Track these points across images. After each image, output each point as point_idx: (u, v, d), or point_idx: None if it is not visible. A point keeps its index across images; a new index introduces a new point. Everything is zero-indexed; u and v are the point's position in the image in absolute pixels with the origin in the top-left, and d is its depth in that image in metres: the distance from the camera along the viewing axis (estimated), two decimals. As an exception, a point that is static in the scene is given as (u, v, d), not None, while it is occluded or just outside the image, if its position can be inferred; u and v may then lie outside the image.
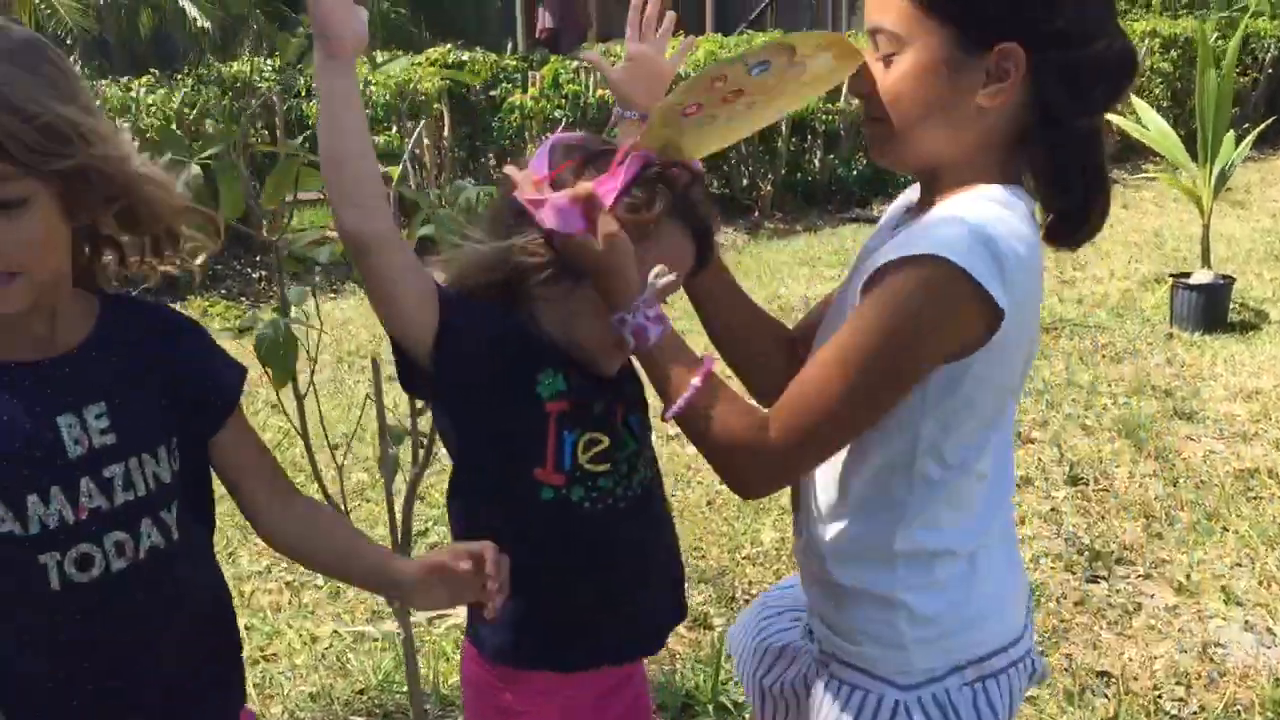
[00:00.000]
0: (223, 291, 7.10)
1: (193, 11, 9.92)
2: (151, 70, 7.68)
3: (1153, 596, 3.29)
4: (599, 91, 8.57)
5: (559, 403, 1.39)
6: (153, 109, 7.11)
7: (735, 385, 1.46)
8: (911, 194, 1.48)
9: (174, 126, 6.97)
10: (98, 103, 1.30)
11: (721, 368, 1.40)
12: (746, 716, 2.69)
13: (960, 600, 1.37)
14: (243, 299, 7.06)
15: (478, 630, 1.51)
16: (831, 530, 1.41)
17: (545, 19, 12.51)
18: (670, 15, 1.61)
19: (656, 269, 1.34)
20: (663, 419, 1.37)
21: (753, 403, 1.40)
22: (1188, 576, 3.39)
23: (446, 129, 8.22)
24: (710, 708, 2.73)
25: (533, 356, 1.39)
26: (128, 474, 1.29)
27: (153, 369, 1.34)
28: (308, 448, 2.14)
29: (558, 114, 8.38)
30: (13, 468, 1.23)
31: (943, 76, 1.27)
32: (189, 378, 1.37)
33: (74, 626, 1.28)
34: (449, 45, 8.79)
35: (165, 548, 1.33)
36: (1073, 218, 1.35)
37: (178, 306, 1.52)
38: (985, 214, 1.24)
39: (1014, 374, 1.35)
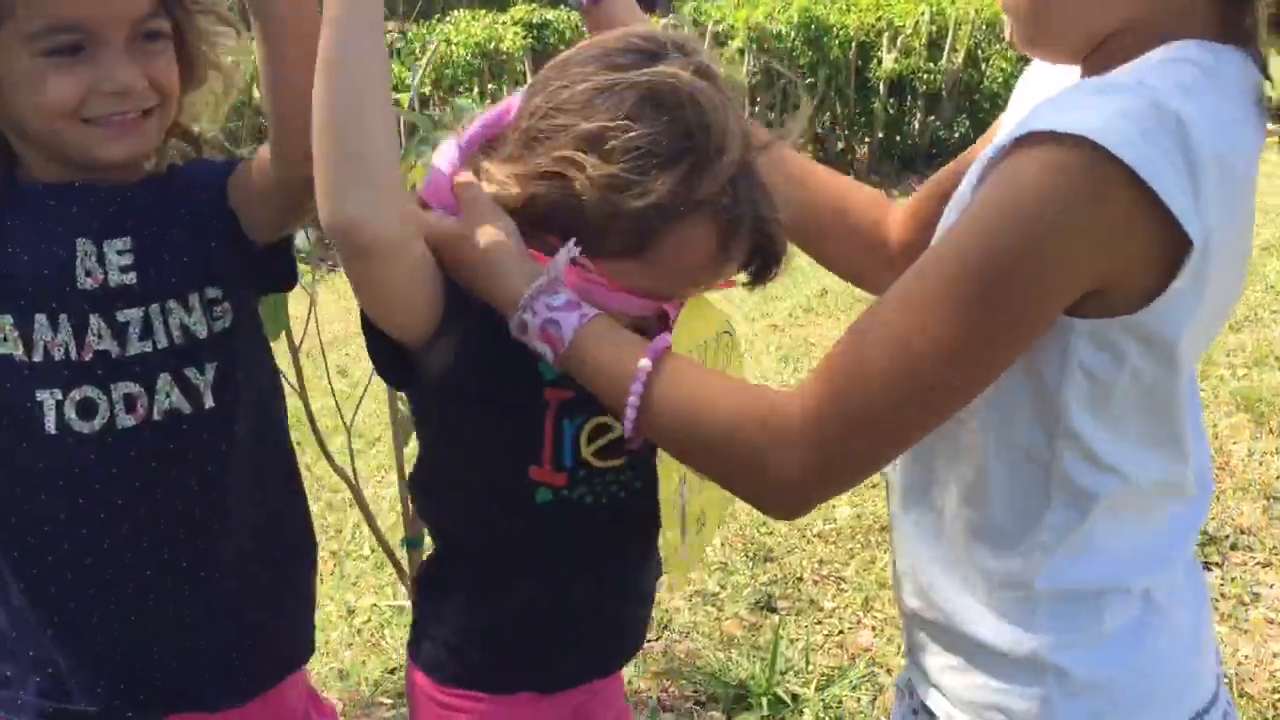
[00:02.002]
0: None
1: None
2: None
3: (1272, 586, 2.98)
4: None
5: (560, 390, 1.11)
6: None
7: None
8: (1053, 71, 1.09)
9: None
10: None
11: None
12: (805, 712, 2.45)
13: (1136, 659, 0.98)
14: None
15: (444, 663, 1.24)
16: (932, 559, 1.03)
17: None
18: None
19: (567, 246, 1.03)
20: (626, 441, 1.02)
21: (755, 382, 1.03)
22: (1313, 565, 3.06)
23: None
24: (765, 701, 2.49)
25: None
26: (147, 320, 1.19)
27: (186, 203, 1.23)
28: (306, 408, 1.95)
29: (645, 74, 8.15)
30: (23, 282, 1.16)
31: None
32: (206, 186, 1.25)
33: (73, 482, 1.18)
34: (533, 4, 8.61)
35: (190, 414, 1.20)
36: None
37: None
38: (1171, 83, 0.84)
39: (1202, 334, 0.94)
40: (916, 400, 0.87)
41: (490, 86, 7.36)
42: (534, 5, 8.61)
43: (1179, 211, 0.80)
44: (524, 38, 7.74)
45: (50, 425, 1.16)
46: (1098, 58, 0.95)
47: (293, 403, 1.55)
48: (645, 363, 0.96)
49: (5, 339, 1.16)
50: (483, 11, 8.39)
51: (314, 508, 1.45)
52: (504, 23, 8.06)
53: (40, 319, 1.15)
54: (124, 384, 1.18)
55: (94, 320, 1.17)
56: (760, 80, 8.31)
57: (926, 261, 0.87)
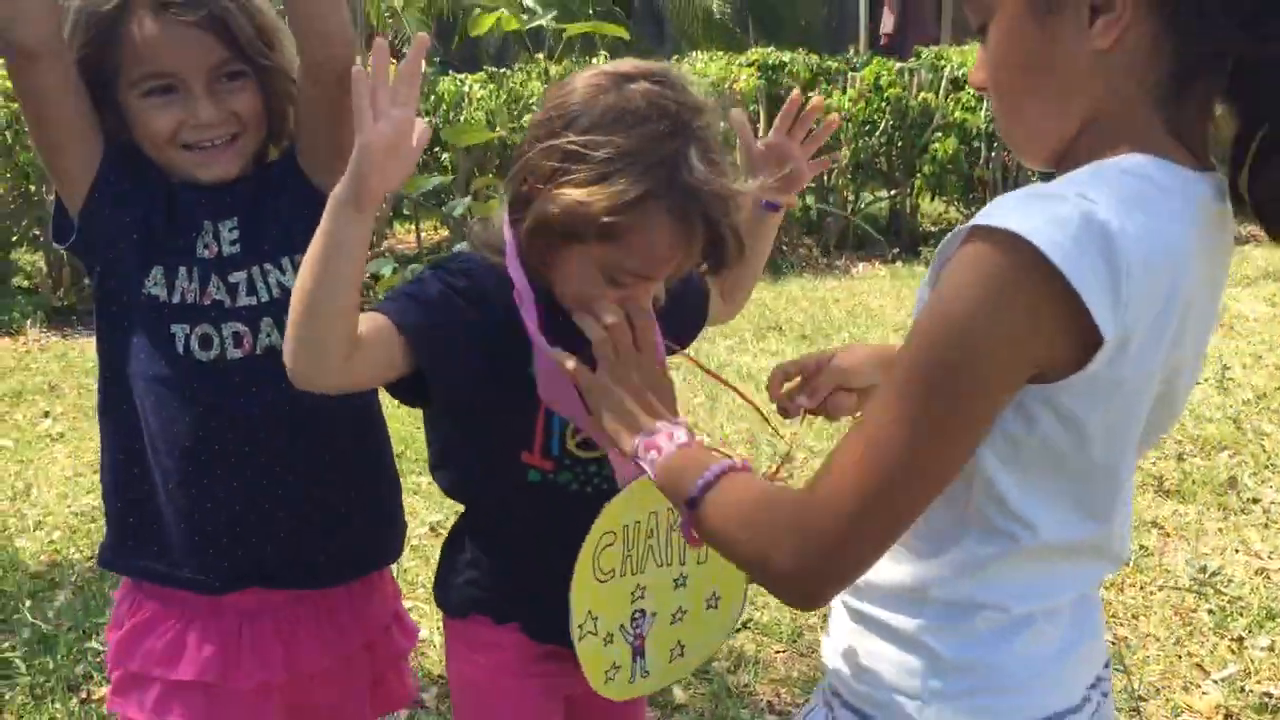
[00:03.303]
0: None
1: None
2: (486, 68, 8.19)
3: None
4: (921, 95, 8.32)
5: None
6: (482, 101, 7.58)
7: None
8: None
9: (500, 117, 7.41)
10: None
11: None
12: None
13: (1000, 653, 1.07)
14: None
15: (452, 597, 1.52)
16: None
17: (888, 23, 12.29)
18: (830, 121, 1.55)
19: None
20: (686, 538, 1.16)
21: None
22: None
23: (761, 129, 8.24)
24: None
25: (523, 346, 1.31)
26: (250, 280, 1.53)
27: (281, 189, 1.56)
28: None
29: (876, 117, 8.22)
30: (169, 248, 1.52)
31: (1032, 28, 1.01)
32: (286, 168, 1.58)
33: (199, 397, 1.51)
34: (770, 47, 8.81)
35: None
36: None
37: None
38: (1110, 196, 0.91)
39: (1130, 422, 1.01)
40: (898, 480, 0.95)
41: (723, 126, 7.59)
42: (771, 49, 8.80)
43: (1095, 310, 0.88)
44: (758, 78, 7.95)
45: (180, 349, 1.51)
46: (1069, 160, 1.03)
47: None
48: (714, 468, 1.09)
49: (156, 283, 1.51)
50: (720, 53, 8.66)
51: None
52: (740, 64, 8.29)
53: (181, 270, 1.51)
54: (233, 323, 1.52)
55: (214, 278, 1.52)
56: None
57: (898, 362, 0.96)
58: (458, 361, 1.30)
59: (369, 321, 1.24)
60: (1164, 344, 0.97)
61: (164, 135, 1.47)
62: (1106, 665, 1.20)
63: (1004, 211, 0.91)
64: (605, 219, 1.21)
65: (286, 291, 1.47)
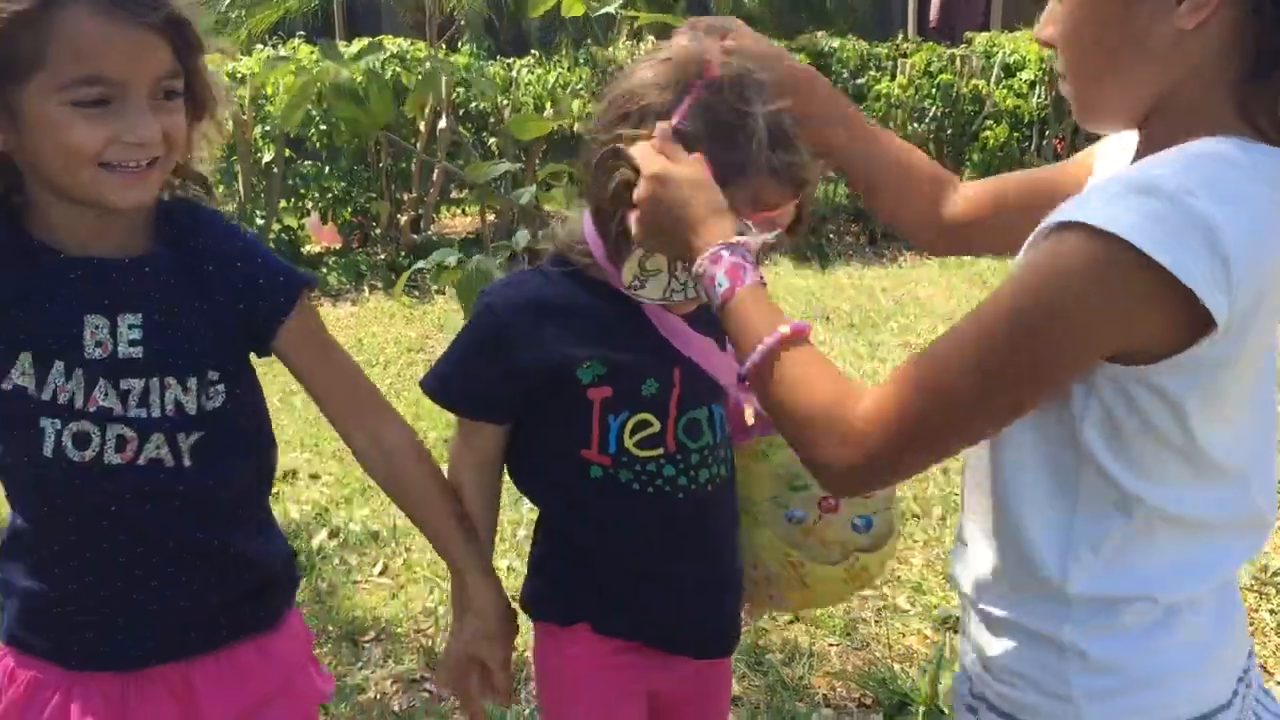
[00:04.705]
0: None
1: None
2: (533, 52, 8.18)
3: None
4: (972, 81, 8.23)
5: (601, 388, 1.37)
6: (529, 86, 7.57)
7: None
8: (1108, 142, 1.24)
9: (547, 103, 7.39)
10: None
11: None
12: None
13: (1149, 649, 1.08)
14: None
15: (529, 598, 1.54)
16: (985, 547, 1.15)
17: (936, 8, 12.17)
18: None
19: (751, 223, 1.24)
20: (738, 379, 1.17)
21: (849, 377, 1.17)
22: None
23: (809, 116, 8.18)
24: (922, 711, 2.57)
25: (569, 352, 1.37)
26: (146, 391, 1.30)
27: (208, 289, 1.33)
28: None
29: (926, 103, 8.14)
30: (41, 339, 1.28)
31: (1118, 2, 1.02)
32: (240, 291, 1.34)
33: (63, 497, 1.32)
34: (819, 32, 8.74)
35: (171, 466, 1.33)
36: None
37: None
38: (1202, 182, 0.93)
39: (1227, 402, 1.03)
40: (951, 417, 1.01)
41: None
42: (820, 32, 8.74)
43: (1209, 301, 0.91)
44: (806, 65, 7.90)
45: (48, 450, 1.29)
46: (1148, 126, 1.07)
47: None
48: (784, 328, 1.10)
49: (23, 372, 1.28)
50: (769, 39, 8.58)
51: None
52: (789, 48, 8.23)
53: (58, 365, 1.28)
54: (118, 426, 1.30)
55: (102, 382, 1.29)
56: (1051, 113, 8.15)
57: (983, 305, 1.00)
58: (508, 402, 1.42)
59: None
60: (1261, 318, 0.99)
61: (90, 151, 1.20)
62: (1250, 655, 1.18)
63: (1098, 207, 0.93)
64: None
65: (184, 413, 1.32)
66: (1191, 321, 0.93)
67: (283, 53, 7.19)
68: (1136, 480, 1.04)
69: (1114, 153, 1.23)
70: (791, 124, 1.28)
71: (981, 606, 1.16)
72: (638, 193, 1.24)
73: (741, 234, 1.18)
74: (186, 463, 1.34)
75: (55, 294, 1.28)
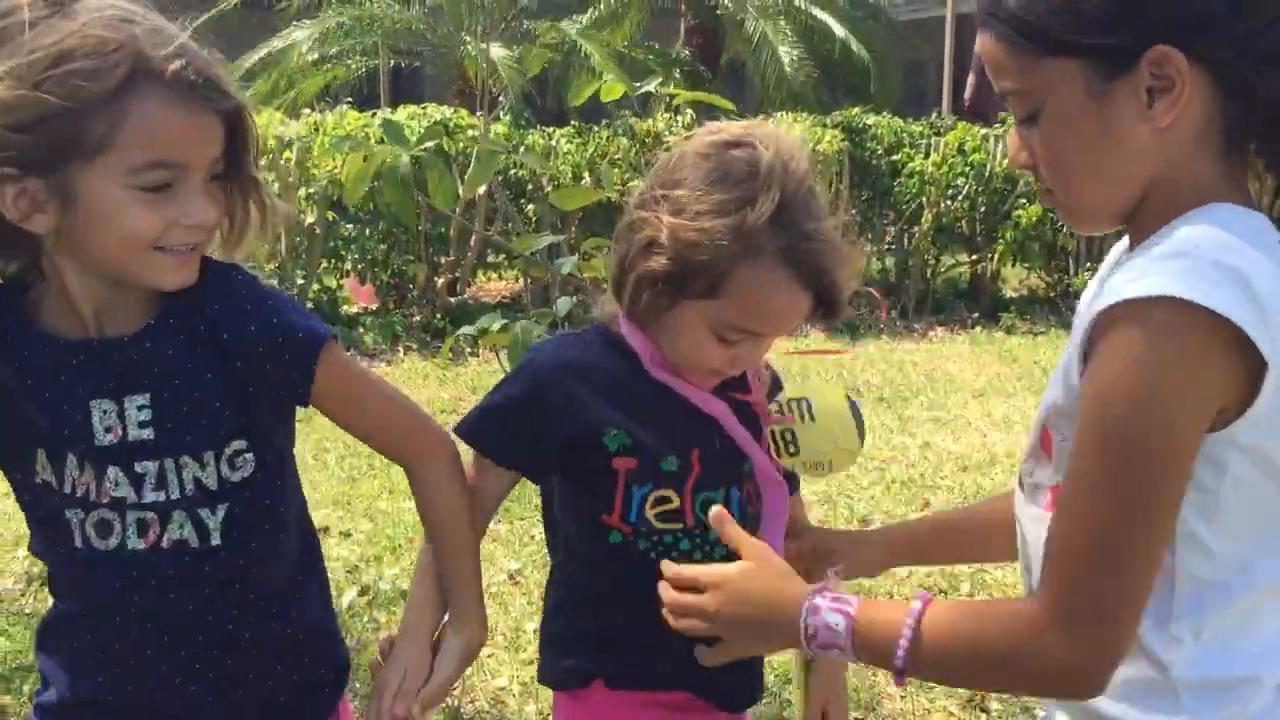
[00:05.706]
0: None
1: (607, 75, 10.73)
2: (574, 122, 8.34)
3: None
4: (1004, 160, 8.31)
5: (626, 459, 1.41)
6: (568, 155, 7.71)
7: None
8: (1121, 244, 1.26)
9: (585, 172, 7.52)
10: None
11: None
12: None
13: None
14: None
15: (544, 667, 1.56)
16: None
17: (971, 87, 12.29)
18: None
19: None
20: (897, 675, 1.12)
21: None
22: None
23: (845, 192, 8.28)
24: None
25: (599, 418, 1.41)
26: (162, 473, 1.26)
27: (225, 356, 1.27)
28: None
29: (959, 181, 8.22)
30: (48, 435, 1.25)
31: (1093, 116, 1.05)
32: (262, 355, 1.28)
33: (95, 587, 1.30)
34: (855, 109, 8.86)
35: (199, 547, 1.28)
36: None
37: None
38: (1217, 244, 0.98)
39: None
40: (1124, 565, 1.00)
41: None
42: (856, 111, 8.85)
43: (1257, 339, 0.94)
44: (842, 140, 8.00)
45: (77, 540, 1.27)
46: (1139, 216, 1.10)
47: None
48: (909, 621, 1.09)
49: (43, 466, 1.26)
50: (805, 114, 8.72)
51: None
52: (824, 124, 8.35)
53: (71, 459, 1.25)
54: (138, 512, 1.26)
55: (112, 471, 1.24)
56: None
57: (1082, 455, 1.01)
58: (534, 456, 1.46)
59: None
60: None
61: (151, 235, 1.18)
62: None
63: (1137, 281, 0.97)
64: (711, 271, 1.30)
65: (204, 490, 1.27)
66: (1248, 366, 0.96)
67: (328, 116, 7.38)
68: (1232, 551, 1.04)
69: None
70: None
71: (1089, 710, 1.11)
72: (710, 606, 1.26)
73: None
74: (214, 541, 1.29)
75: (60, 384, 1.24)
